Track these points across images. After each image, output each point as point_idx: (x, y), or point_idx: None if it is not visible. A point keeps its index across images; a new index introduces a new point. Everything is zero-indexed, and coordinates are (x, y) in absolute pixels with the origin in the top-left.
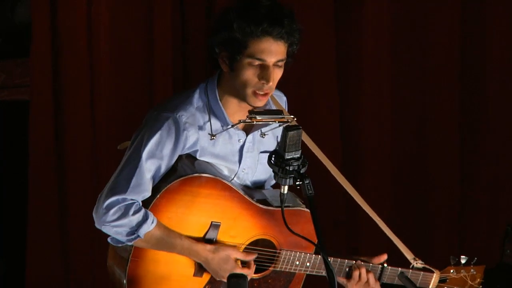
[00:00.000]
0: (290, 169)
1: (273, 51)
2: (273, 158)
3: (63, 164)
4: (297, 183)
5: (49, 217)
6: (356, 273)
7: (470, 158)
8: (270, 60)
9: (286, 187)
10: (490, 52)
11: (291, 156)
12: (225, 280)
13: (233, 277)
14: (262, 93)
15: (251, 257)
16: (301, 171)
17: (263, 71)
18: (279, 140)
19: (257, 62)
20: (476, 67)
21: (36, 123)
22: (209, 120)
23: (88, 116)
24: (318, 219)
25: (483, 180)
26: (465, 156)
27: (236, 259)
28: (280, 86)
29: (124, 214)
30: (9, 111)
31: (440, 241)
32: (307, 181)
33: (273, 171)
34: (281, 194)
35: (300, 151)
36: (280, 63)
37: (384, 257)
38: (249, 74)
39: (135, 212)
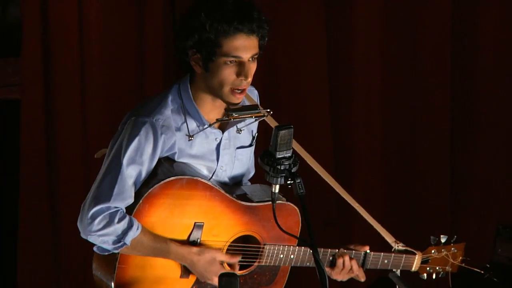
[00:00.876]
0: (281, 168)
1: (247, 47)
2: (264, 157)
3: (54, 162)
4: (288, 182)
5: (40, 216)
6: (340, 261)
7: (461, 158)
8: (246, 56)
9: (277, 186)
10: (481, 51)
11: (282, 155)
12: (210, 282)
13: (224, 276)
14: (240, 90)
15: (235, 259)
16: (292, 170)
17: (240, 68)
18: (254, 134)
19: (233, 60)
20: (467, 67)
21: (27, 122)
22: (185, 121)
23: (79, 115)
24: (309, 217)
25: (474, 180)
26: (456, 155)
27: (221, 261)
28: (270, 86)
29: (109, 223)
30: (1, 110)
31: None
32: (298, 180)
33: (264, 170)
34: (272, 193)
35: (291, 150)
36: (254, 57)
37: (366, 248)
38: (226, 73)
39: (120, 220)
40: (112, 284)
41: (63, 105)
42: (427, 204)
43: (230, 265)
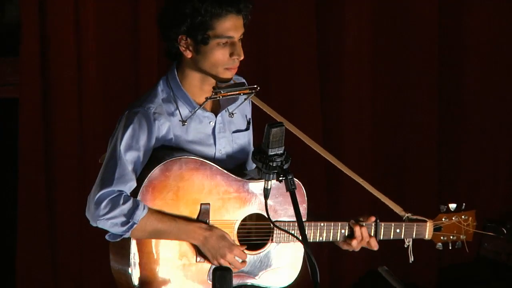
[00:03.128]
0: (274, 165)
1: (238, 26)
2: (256, 154)
3: (52, 161)
4: (280, 178)
5: (37, 214)
6: (358, 232)
7: (448, 155)
8: (237, 35)
9: (270, 183)
10: (468, 51)
11: (275, 152)
12: (222, 260)
13: (218, 270)
14: (234, 67)
15: (239, 248)
16: (284, 167)
17: (233, 48)
18: (248, 118)
19: (225, 41)
20: (455, 66)
21: (25, 121)
22: (177, 107)
23: (76, 114)
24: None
25: (460, 176)
26: (443, 152)
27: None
28: (261, 84)
29: (115, 205)
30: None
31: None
32: (290, 177)
33: (257, 167)
34: (265, 189)
35: (283, 147)
36: (241, 37)
37: (372, 219)
38: (219, 54)
39: (125, 201)
40: (130, 271)
41: (61, 104)
42: (414, 202)
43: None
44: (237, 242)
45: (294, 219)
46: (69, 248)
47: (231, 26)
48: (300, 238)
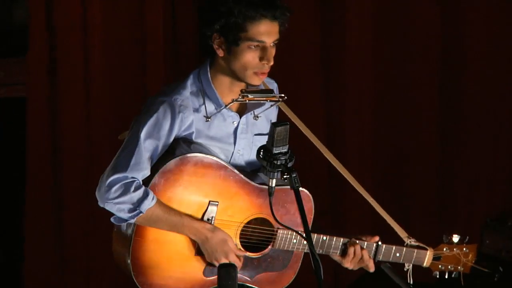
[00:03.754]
0: (278, 163)
1: (271, 32)
2: (261, 153)
3: (59, 159)
4: (285, 176)
5: (45, 210)
6: (351, 250)
7: (448, 154)
8: (269, 41)
9: (274, 181)
10: (468, 52)
11: (279, 151)
12: (216, 263)
13: (223, 266)
14: (263, 72)
15: (241, 253)
16: (289, 165)
17: (263, 52)
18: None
19: (256, 44)
20: (455, 67)
21: (33, 119)
22: (204, 103)
23: (83, 113)
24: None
25: (461, 175)
26: (444, 151)
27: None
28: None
29: (125, 191)
30: (8, 108)
31: (420, 232)
32: (294, 175)
33: (262, 165)
34: (269, 187)
35: (288, 146)
36: (275, 43)
37: (376, 238)
38: (250, 57)
39: (136, 189)
40: (129, 259)
41: (68, 103)
42: (415, 198)
43: (243, 249)
44: (238, 243)
45: (300, 228)
46: (76, 243)
47: (264, 31)
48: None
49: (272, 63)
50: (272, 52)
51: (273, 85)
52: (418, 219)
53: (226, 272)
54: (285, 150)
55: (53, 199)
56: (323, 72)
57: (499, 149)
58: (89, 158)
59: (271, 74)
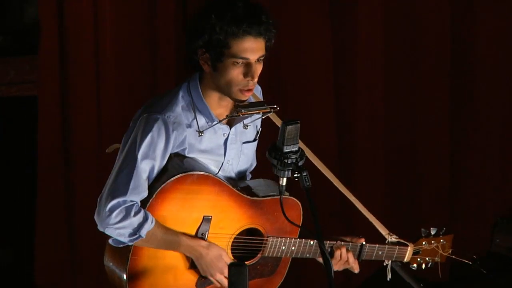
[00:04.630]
0: (289, 162)
1: (255, 49)
2: (271, 152)
3: (70, 157)
4: (295, 175)
5: (56, 209)
6: (337, 253)
7: (459, 152)
8: (253, 57)
9: (285, 179)
10: (479, 49)
11: (289, 150)
12: (211, 278)
13: (233, 265)
14: (247, 89)
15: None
16: (299, 164)
17: (247, 69)
18: (258, 129)
19: (240, 61)
20: (466, 64)
21: (44, 118)
22: (195, 117)
23: (94, 111)
24: (316, 208)
25: (472, 172)
26: (455, 150)
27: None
28: (276, 83)
29: (126, 216)
30: (19, 106)
31: (430, 218)
32: (305, 173)
33: (272, 164)
34: (280, 186)
35: (298, 144)
36: (261, 59)
37: (362, 240)
38: (234, 73)
39: (136, 213)
40: (124, 275)
41: (79, 101)
42: (427, 196)
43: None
44: (229, 254)
45: (288, 235)
46: (87, 243)
47: (248, 48)
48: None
49: (256, 79)
50: (257, 68)
51: (257, 89)
52: (428, 218)
53: (237, 271)
54: (296, 148)
55: (64, 198)
56: (334, 71)
57: (510, 146)
58: (101, 157)
59: (283, 75)
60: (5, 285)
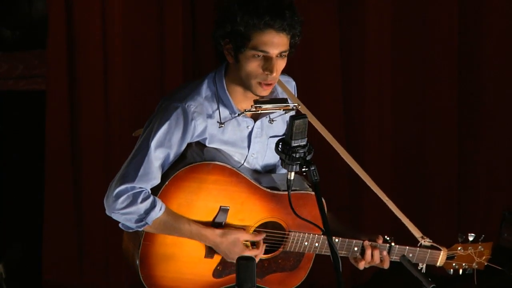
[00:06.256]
0: (297, 156)
1: (276, 43)
2: (280, 146)
3: (78, 151)
4: (303, 169)
5: (64, 203)
6: (368, 253)
7: (467, 148)
8: (273, 52)
9: (293, 173)
10: (486, 46)
11: (298, 144)
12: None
13: (241, 259)
14: (267, 83)
15: (259, 237)
16: (307, 158)
17: (267, 63)
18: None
19: (260, 54)
20: (474, 61)
21: (52, 112)
22: (218, 108)
23: (102, 105)
24: (323, 203)
25: (480, 167)
26: (463, 146)
27: (245, 241)
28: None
29: (132, 202)
30: (27, 100)
31: (438, 225)
32: (313, 168)
33: (280, 158)
34: (288, 180)
35: (306, 138)
36: (283, 54)
37: (380, 240)
38: (253, 66)
39: (144, 200)
40: (137, 260)
41: (87, 95)
42: (434, 191)
43: (255, 245)
44: (249, 245)
45: (309, 231)
46: (95, 235)
47: (268, 41)
48: (322, 231)
49: (274, 74)
50: (279, 63)
51: (291, 84)
52: (437, 214)
53: (244, 265)
54: (304, 143)
55: (72, 193)
56: (342, 70)
57: None
58: (109, 151)
59: (291, 73)
60: (13, 281)
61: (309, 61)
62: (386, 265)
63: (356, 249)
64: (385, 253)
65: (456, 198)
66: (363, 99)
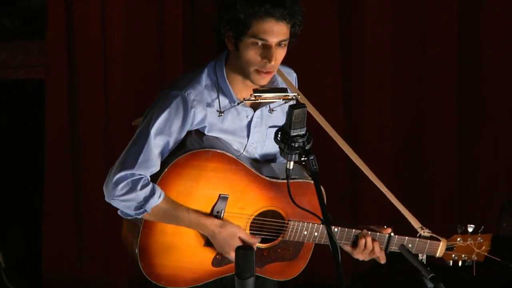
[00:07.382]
0: (296, 146)
1: (275, 32)
2: (279, 135)
3: (78, 140)
4: (302, 159)
5: (64, 194)
6: (361, 242)
7: (467, 145)
8: (272, 40)
9: (292, 163)
10: (486, 44)
11: (297, 133)
12: (227, 256)
13: (241, 249)
14: (265, 71)
15: (255, 240)
16: (306, 148)
17: (266, 51)
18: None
19: (260, 42)
20: (473, 59)
21: (51, 102)
22: (218, 97)
23: (101, 94)
24: (322, 193)
25: (480, 159)
26: (462, 143)
27: (240, 238)
28: None
29: (132, 189)
30: (26, 89)
31: (439, 214)
32: (312, 157)
33: (279, 147)
34: (287, 170)
35: (305, 128)
36: (283, 43)
37: (389, 230)
38: (252, 54)
39: (143, 187)
40: (136, 249)
41: (86, 85)
42: (435, 182)
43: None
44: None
45: (309, 220)
46: (95, 230)
47: (268, 30)
48: (321, 221)
49: (273, 63)
50: (278, 52)
51: (292, 76)
52: (437, 214)
53: (243, 255)
54: (303, 132)
55: (72, 183)
56: (342, 68)
57: None
58: (108, 140)
59: (291, 67)
60: (12, 274)
61: (309, 61)
62: (382, 257)
63: (355, 238)
64: (377, 244)
65: (456, 198)
66: (363, 99)
